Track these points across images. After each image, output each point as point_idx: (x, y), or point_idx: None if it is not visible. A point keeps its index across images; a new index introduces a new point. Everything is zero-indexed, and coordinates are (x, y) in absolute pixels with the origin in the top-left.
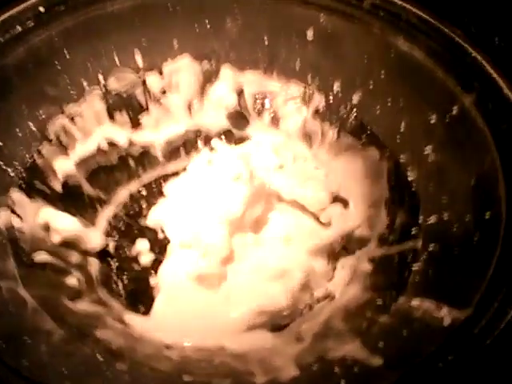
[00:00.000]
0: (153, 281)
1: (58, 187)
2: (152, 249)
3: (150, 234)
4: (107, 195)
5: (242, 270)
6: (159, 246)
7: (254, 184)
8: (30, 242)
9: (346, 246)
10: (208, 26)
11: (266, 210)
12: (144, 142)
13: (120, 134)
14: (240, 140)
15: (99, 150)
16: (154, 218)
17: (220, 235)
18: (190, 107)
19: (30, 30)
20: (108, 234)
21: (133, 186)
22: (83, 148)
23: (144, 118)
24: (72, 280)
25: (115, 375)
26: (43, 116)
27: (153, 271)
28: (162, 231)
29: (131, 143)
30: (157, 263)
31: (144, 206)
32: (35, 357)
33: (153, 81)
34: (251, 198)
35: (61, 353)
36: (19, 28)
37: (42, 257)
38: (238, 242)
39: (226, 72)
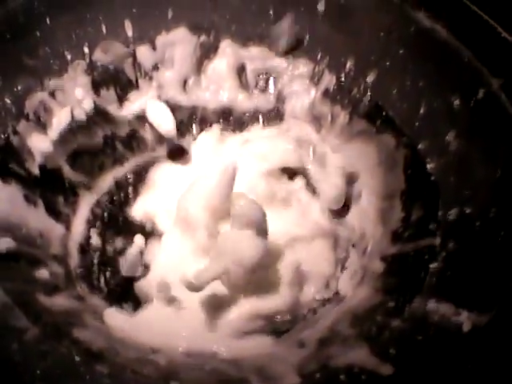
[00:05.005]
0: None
1: (35, 170)
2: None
3: (138, 225)
4: (90, 180)
5: None
6: (147, 239)
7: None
8: (3, 229)
9: (354, 242)
10: None
11: None
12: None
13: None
14: (239, 122)
15: (78, 126)
16: (142, 208)
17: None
18: (184, 84)
19: None
20: (90, 224)
21: (119, 171)
22: (58, 121)
23: (133, 95)
24: (44, 273)
25: (94, 379)
26: (21, 90)
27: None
28: (151, 223)
29: (117, 120)
30: (144, 257)
31: (131, 194)
32: (6, 357)
33: (144, 54)
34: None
35: (34, 353)
36: None
37: (6, 244)
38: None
39: (226, 46)
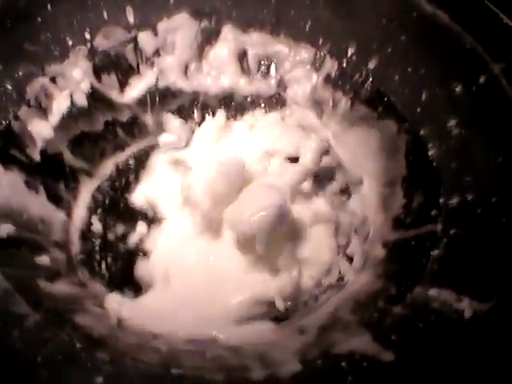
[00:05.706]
0: (141, 262)
1: (36, 156)
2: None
3: (138, 211)
4: (91, 166)
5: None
6: (148, 225)
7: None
8: (4, 215)
9: (356, 228)
10: None
11: None
12: (132, 103)
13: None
14: (240, 107)
15: (79, 111)
16: (143, 194)
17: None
18: (186, 70)
19: None
20: (91, 211)
21: (120, 157)
22: (58, 106)
23: (134, 81)
24: (45, 259)
25: (95, 365)
26: (22, 76)
27: (140, 252)
28: (152, 209)
29: (118, 106)
30: (145, 243)
31: (132, 179)
32: (7, 343)
33: (145, 40)
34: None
35: (35, 339)
36: None
37: (7, 230)
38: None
39: (228, 32)
